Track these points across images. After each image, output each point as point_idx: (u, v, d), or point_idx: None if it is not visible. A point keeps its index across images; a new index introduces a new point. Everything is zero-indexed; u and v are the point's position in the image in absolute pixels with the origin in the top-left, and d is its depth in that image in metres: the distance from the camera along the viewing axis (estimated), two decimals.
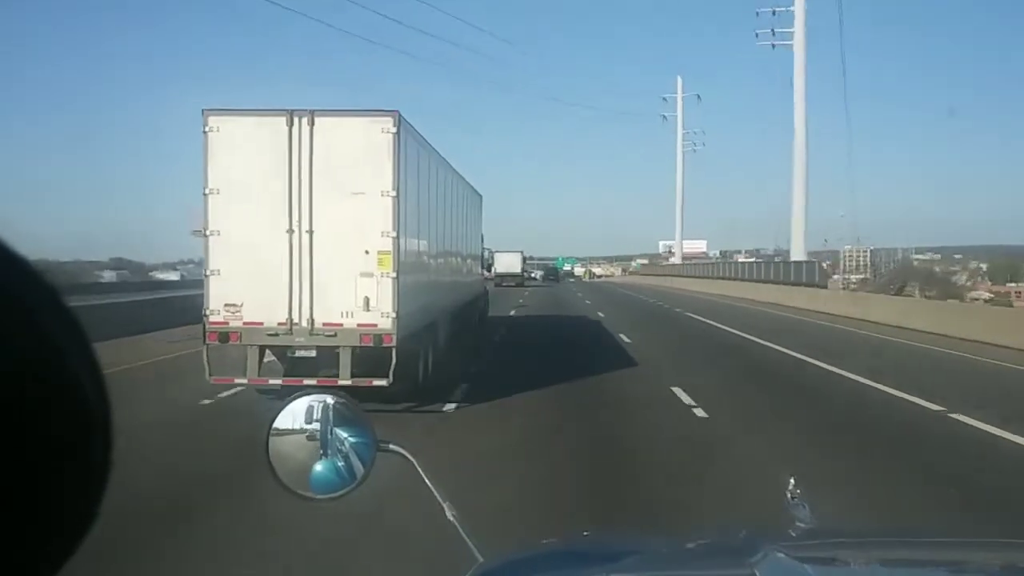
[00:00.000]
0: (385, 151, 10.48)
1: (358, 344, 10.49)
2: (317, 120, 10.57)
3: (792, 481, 2.16)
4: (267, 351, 11.10)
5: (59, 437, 0.52)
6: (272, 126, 10.55)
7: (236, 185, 10.52)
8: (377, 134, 10.50)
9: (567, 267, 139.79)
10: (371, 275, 10.51)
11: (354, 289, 10.49)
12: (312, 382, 10.43)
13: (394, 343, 10.44)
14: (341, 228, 10.56)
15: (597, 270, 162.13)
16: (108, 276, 54.01)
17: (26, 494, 0.51)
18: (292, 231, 10.55)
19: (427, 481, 1.91)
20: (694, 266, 72.24)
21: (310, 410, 1.88)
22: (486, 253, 28.85)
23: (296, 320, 10.55)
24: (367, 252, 10.51)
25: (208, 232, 10.52)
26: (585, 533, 4.30)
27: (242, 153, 10.57)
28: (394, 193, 10.50)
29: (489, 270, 31.38)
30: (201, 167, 10.57)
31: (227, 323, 10.48)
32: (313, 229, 10.55)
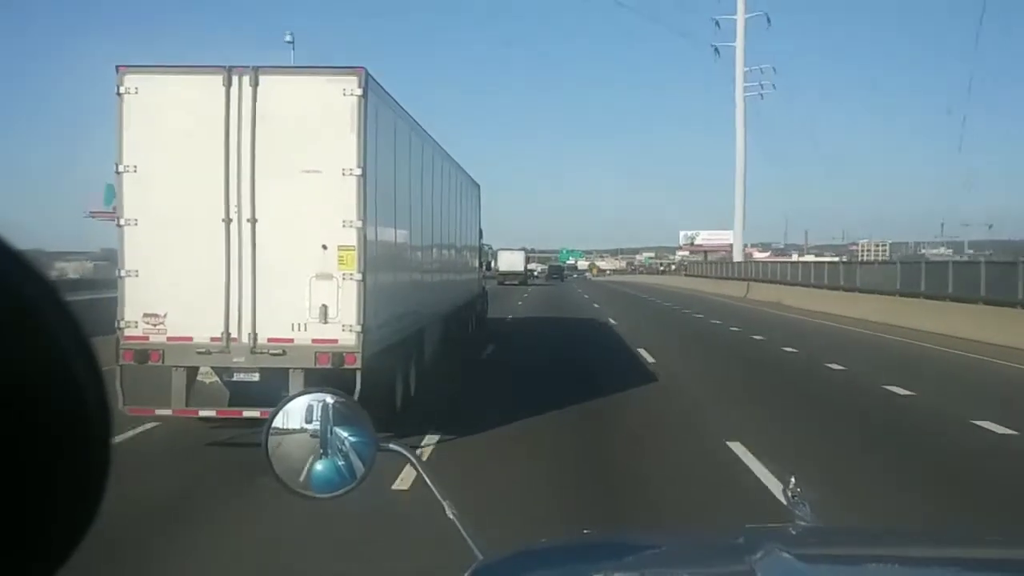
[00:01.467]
0: (347, 118, 8.20)
1: (313, 366, 8.22)
2: (262, 79, 8.29)
3: (792, 480, 2.13)
4: (205, 372, 8.84)
5: (59, 437, 0.51)
6: (205, 87, 8.27)
7: (159, 162, 8.24)
8: (337, 97, 8.21)
9: (570, 261, 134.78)
10: (330, 277, 8.24)
11: (308, 295, 8.22)
12: (254, 414, 8.22)
13: (359, 364, 8.18)
14: (292, 216, 8.29)
15: (602, 264, 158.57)
16: None
17: (26, 493, 0.50)
18: (230, 220, 8.28)
19: (427, 480, 1.92)
20: (726, 265, 57.96)
21: (310, 409, 1.85)
22: (485, 248, 26.60)
23: (234, 335, 8.28)
24: (325, 247, 8.24)
25: (122, 221, 8.24)
26: (585, 532, 4.11)
27: (166, 121, 8.29)
28: (359, 171, 8.22)
29: (489, 268, 28.81)
30: (115, 139, 8.30)
31: (146, 338, 8.20)
32: (256, 218, 8.27)
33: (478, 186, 20.55)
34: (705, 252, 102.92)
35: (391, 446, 1.96)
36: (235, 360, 8.32)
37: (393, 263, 9.97)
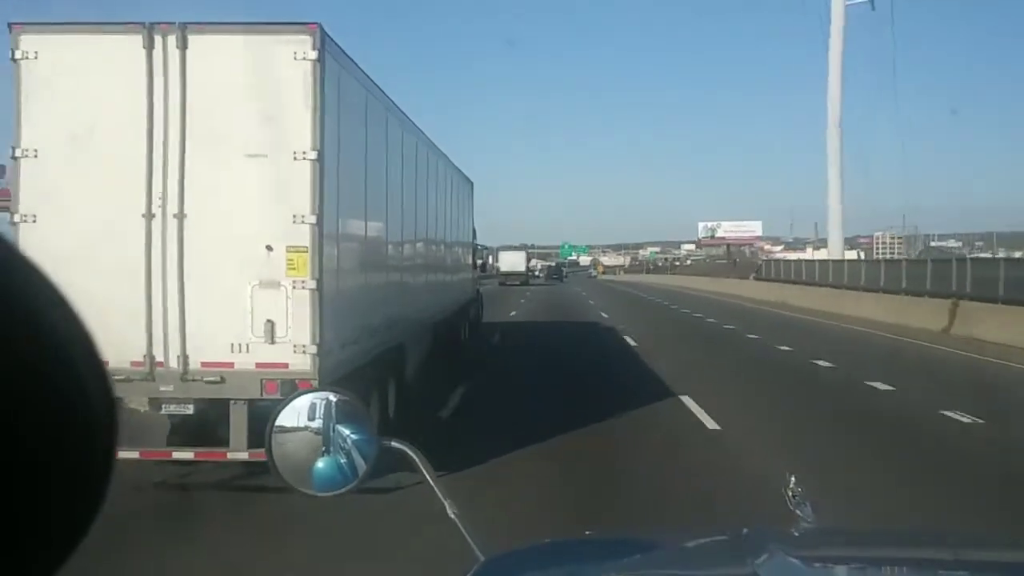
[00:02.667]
0: (299, 88, 6.58)
1: (259, 396, 6.61)
2: (192, 39, 6.66)
3: (793, 480, 2.09)
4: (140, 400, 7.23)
5: (60, 439, 0.50)
6: (120, 49, 6.65)
7: (63, 145, 6.62)
8: (286, 61, 6.59)
9: (572, 256, 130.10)
10: (277, 285, 6.62)
11: (250, 308, 6.61)
12: (187, 455, 6.66)
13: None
14: (230, 211, 6.67)
15: (604, 260, 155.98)
16: None
17: (25, 495, 0.49)
18: (153, 216, 6.67)
19: (429, 478, 1.89)
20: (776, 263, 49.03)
21: (312, 407, 1.86)
22: (480, 249, 24.93)
23: (160, 358, 6.67)
24: (271, 249, 6.62)
25: (18, 218, 6.62)
26: (587, 532, 4.03)
27: (74, 92, 6.67)
28: (313, 155, 6.59)
29: (483, 269, 26.82)
30: (11, 116, 6.69)
31: None
32: (186, 213, 6.66)
33: (471, 183, 18.90)
34: (728, 246, 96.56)
35: (393, 444, 1.92)
36: (162, 389, 6.70)
37: (362, 267, 8.33)
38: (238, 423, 6.60)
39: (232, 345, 6.59)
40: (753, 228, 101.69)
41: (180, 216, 6.63)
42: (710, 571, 1.92)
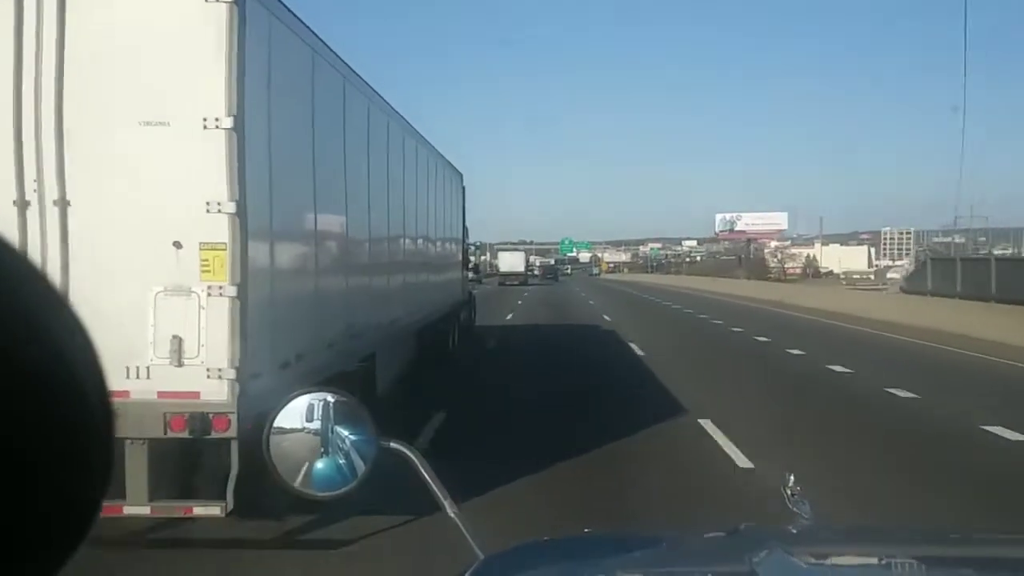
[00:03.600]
0: (210, 36, 5.10)
1: (162, 434, 5.15)
2: None
3: (792, 478, 2.09)
4: None
5: (61, 445, 0.50)
6: None
7: None
8: (195, 4, 5.12)
9: (572, 253, 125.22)
10: (188, 292, 5.15)
11: (152, 321, 5.14)
12: None
13: (233, 430, 5.09)
14: (125, 196, 5.19)
15: (606, 257, 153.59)
16: None
17: (25, 495, 0.49)
18: (27, 204, 5.19)
19: (428, 479, 1.88)
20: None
21: (311, 408, 1.85)
22: (474, 247, 23.39)
23: None
24: (179, 246, 5.15)
25: None
26: (587, 530, 3.74)
27: None
28: (229, 122, 5.11)
29: (476, 270, 24.84)
30: None
31: None
32: (69, 199, 5.18)
33: (460, 174, 17.41)
34: (748, 240, 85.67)
35: (392, 444, 1.88)
36: None
37: (310, 267, 6.84)
38: (135, 469, 5.13)
39: (128, 369, 5.10)
40: (778, 221, 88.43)
41: (62, 203, 5.16)
42: (709, 568, 1.91)
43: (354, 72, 8.11)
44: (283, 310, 5.98)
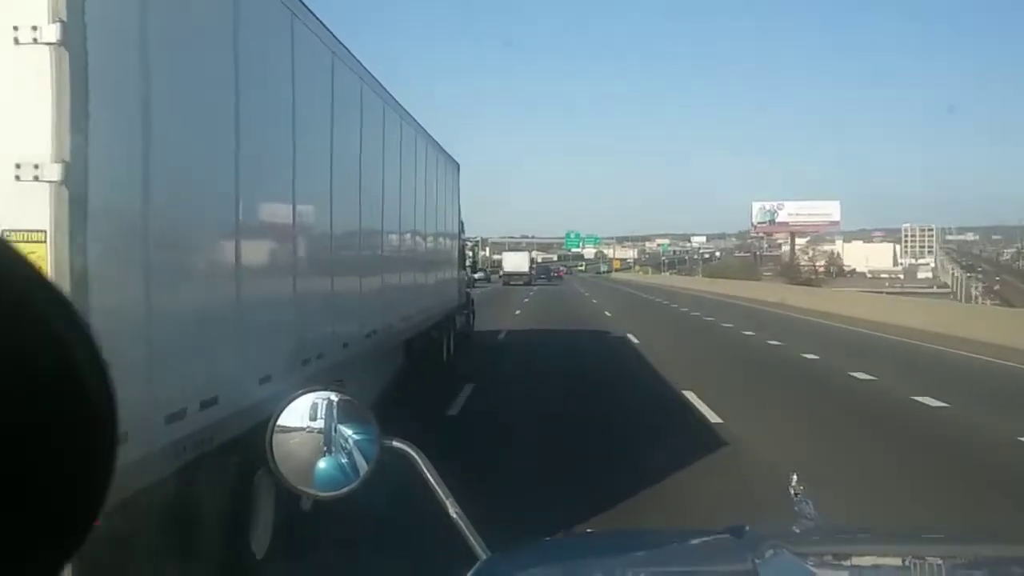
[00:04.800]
0: None
1: None
2: None
3: (795, 478, 2.08)
4: None
5: (63, 449, 0.50)
6: None
7: None
8: None
9: (577, 248, 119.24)
10: None
11: None
12: None
13: None
14: None
15: (610, 253, 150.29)
16: None
17: (26, 498, 0.49)
18: None
19: (431, 478, 1.84)
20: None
21: (314, 407, 1.80)
22: (473, 244, 21.29)
23: None
24: None
25: None
26: (588, 531, 3.95)
27: None
28: (54, 32, 3.13)
29: (474, 269, 22.35)
30: None
31: None
32: None
33: (456, 163, 15.40)
34: (792, 234, 75.23)
35: (395, 443, 1.83)
36: None
37: (221, 270, 4.79)
38: None
39: None
40: (829, 211, 72.01)
41: None
42: (712, 567, 1.90)
43: (315, 16, 6.10)
44: (176, 334, 3.97)
